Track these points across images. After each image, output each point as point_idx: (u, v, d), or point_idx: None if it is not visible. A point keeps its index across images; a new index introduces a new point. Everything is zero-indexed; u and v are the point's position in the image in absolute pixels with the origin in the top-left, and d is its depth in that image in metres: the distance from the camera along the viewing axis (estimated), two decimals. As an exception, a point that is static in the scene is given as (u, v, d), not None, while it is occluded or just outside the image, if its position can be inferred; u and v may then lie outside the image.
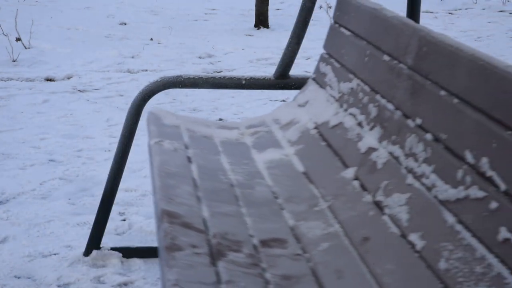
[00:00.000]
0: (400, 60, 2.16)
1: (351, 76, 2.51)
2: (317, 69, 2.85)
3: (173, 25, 8.48)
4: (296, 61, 2.96)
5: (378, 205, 1.92)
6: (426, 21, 8.76)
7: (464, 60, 1.77)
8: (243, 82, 2.93)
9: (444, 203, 1.69)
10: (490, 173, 1.55)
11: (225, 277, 1.65)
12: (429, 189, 1.77)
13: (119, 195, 3.09)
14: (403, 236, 1.75)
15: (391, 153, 2.03)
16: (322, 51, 2.89)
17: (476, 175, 1.60)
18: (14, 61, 6.35)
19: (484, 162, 1.58)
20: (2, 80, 5.82)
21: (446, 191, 1.69)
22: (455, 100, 1.78)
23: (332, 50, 2.80)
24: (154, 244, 2.92)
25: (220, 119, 4.85)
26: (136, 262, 2.88)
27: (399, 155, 1.97)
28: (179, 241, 1.76)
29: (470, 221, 1.57)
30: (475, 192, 1.58)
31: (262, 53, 7.13)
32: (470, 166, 1.63)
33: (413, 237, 1.71)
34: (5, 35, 6.75)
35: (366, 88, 2.36)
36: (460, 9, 10.31)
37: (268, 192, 2.22)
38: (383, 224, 1.84)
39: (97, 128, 4.68)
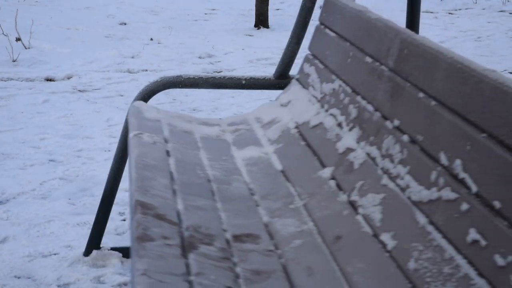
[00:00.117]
0: (382, 62, 2.17)
1: (333, 77, 2.52)
2: (301, 70, 2.86)
3: (173, 25, 8.47)
4: (296, 61, 2.95)
5: (353, 205, 1.93)
6: (426, 21, 8.77)
7: (443, 63, 1.78)
8: (243, 82, 2.93)
9: (417, 204, 1.69)
10: (462, 175, 1.55)
11: (195, 269, 1.65)
12: (403, 190, 1.77)
13: (119, 195, 3.07)
14: (375, 235, 1.76)
15: (368, 154, 2.03)
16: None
17: (449, 176, 1.61)
18: (14, 61, 6.33)
19: (458, 164, 1.58)
20: (2, 80, 5.80)
21: (420, 192, 1.69)
22: (433, 103, 1.78)
23: (316, 51, 2.80)
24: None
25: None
26: (136, 262, 2.88)
27: (376, 156, 1.98)
28: (151, 232, 1.76)
29: (441, 222, 1.57)
30: (448, 194, 1.58)
31: (262, 53, 7.12)
32: (444, 168, 1.64)
33: (385, 237, 1.72)
34: (5, 35, 6.74)
35: (348, 89, 2.36)
36: (460, 9, 10.32)
37: (245, 189, 2.21)
38: (356, 224, 1.84)
39: (97, 128, 4.66)
